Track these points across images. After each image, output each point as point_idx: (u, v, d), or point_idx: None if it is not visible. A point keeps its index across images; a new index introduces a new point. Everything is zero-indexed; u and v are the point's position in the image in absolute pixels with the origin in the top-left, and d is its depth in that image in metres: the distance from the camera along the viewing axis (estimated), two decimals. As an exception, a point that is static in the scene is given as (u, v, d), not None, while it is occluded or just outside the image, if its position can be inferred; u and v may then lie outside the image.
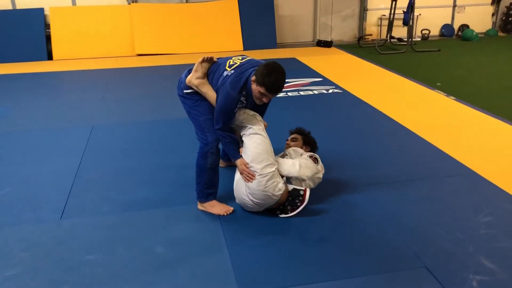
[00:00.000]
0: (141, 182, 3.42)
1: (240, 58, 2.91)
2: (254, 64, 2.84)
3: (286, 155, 3.07)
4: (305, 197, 2.82)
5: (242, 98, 2.78)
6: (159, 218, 2.93)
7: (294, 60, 7.68)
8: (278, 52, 8.35)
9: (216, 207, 2.96)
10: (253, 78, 2.69)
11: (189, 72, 2.93)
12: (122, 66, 7.48)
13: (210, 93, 2.85)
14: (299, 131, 3.35)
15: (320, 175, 3.04)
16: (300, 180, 2.92)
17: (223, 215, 2.92)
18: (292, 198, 2.85)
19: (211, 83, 2.86)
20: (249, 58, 2.93)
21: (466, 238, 2.64)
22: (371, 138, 4.22)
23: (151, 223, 2.87)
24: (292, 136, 3.32)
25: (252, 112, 2.91)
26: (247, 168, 2.78)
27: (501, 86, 6.10)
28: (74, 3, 8.49)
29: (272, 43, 8.75)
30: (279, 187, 2.79)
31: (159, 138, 4.30)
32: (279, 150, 3.21)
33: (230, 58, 2.94)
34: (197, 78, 2.84)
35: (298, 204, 2.83)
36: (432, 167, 3.57)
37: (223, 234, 2.72)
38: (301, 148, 3.20)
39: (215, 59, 2.91)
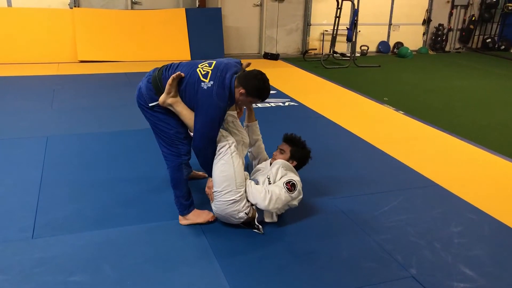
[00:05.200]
0: (110, 197, 3.27)
1: (207, 65, 2.81)
2: (226, 69, 2.78)
3: (268, 178, 2.94)
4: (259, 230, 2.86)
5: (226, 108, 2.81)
6: (139, 234, 2.82)
7: (244, 71, 7.72)
8: (227, 63, 8.35)
9: (201, 216, 2.95)
10: (242, 91, 2.74)
11: (148, 81, 2.82)
12: (66, 73, 7.13)
13: (185, 112, 2.75)
14: (291, 140, 3.17)
15: (295, 201, 2.92)
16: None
17: (210, 220, 2.93)
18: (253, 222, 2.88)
19: (185, 99, 2.76)
20: (214, 62, 2.84)
21: (443, 247, 2.79)
22: (334, 151, 4.34)
23: (132, 240, 2.76)
24: (281, 147, 3.17)
25: (224, 133, 2.90)
26: (211, 190, 2.84)
27: (442, 102, 6.52)
28: (9, 4, 7.99)
29: (220, 54, 8.75)
30: (240, 215, 2.79)
31: (119, 150, 4.15)
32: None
33: (195, 66, 2.81)
34: (171, 97, 2.74)
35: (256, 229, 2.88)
36: (397, 180, 3.74)
37: (211, 249, 2.68)
38: (288, 161, 3.08)
39: (182, 75, 2.76)
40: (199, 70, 2.77)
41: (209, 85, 2.70)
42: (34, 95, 5.82)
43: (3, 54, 7.66)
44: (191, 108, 2.77)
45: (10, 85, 6.34)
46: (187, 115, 2.76)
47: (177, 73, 2.74)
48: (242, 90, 2.75)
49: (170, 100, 2.74)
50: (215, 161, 2.81)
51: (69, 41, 8.02)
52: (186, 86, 2.75)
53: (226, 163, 2.77)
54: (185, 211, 2.93)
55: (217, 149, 2.80)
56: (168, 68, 2.85)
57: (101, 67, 7.60)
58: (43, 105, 5.39)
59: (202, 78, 2.73)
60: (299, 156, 3.12)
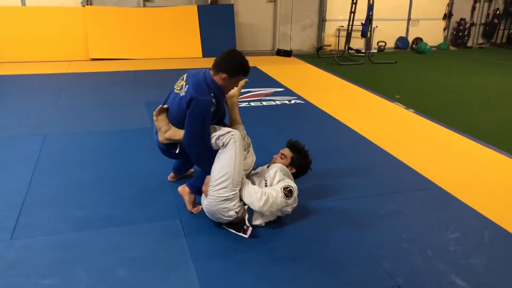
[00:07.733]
0: (99, 197, 3.21)
1: (180, 80, 2.93)
2: (197, 71, 2.91)
3: (265, 180, 2.87)
4: (247, 232, 2.73)
5: (213, 100, 2.78)
6: (120, 236, 2.74)
7: (254, 69, 7.61)
8: (238, 60, 8.25)
9: (193, 204, 3.04)
10: (224, 76, 2.76)
11: (158, 146, 3.02)
12: (76, 71, 7.16)
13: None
14: (294, 146, 3.07)
15: (289, 208, 2.83)
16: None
17: (193, 211, 3.00)
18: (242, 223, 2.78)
19: (176, 121, 2.86)
20: (185, 74, 2.95)
21: (437, 255, 2.63)
22: (336, 152, 4.19)
23: (111, 242, 2.68)
24: (283, 152, 3.06)
25: (227, 129, 2.83)
26: (207, 187, 2.78)
27: (458, 100, 6.28)
28: (23, 3, 8.08)
29: (232, 51, 8.64)
30: (230, 214, 2.71)
31: (117, 149, 4.09)
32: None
33: (172, 88, 2.96)
34: (165, 131, 2.86)
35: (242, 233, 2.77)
36: (398, 182, 3.58)
37: (189, 252, 2.58)
38: (287, 167, 2.98)
39: (164, 107, 2.90)
40: (175, 89, 2.90)
41: (185, 90, 2.79)
42: (40, 93, 5.84)
43: (16, 53, 7.75)
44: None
45: (18, 83, 6.38)
46: None
47: (158, 108, 2.89)
48: (224, 75, 2.78)
49: (167, 135, 2.88)
50: (217, 156, 2.75)
51: (81, 39, 8.06)
52: (172, 108, 2.87)
53: (228, 159, 2.70)
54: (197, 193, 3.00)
55: (223, 144, 2.74)
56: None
57: (111, 65, 7.61)
58: (47, 103, 5.40)
59: (179, 92, 2.84)
60: (299, 164, 3.04)
